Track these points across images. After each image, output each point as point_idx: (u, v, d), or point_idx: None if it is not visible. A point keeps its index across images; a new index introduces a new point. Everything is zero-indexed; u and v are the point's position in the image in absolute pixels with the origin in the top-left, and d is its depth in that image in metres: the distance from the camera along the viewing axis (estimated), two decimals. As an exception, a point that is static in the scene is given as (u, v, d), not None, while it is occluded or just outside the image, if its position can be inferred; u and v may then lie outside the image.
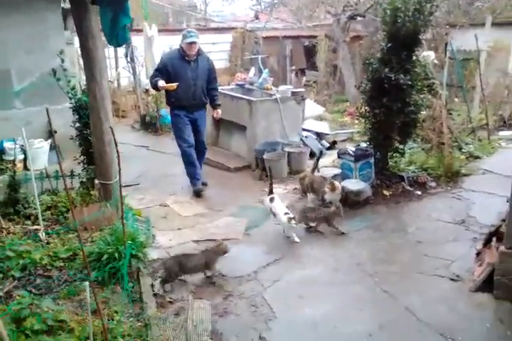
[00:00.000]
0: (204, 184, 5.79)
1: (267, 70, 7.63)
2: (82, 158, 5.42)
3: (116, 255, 3.61)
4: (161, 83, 5.27)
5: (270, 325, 3.08)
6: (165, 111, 9.09)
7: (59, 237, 4.34)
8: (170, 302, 3.41)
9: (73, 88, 5.27)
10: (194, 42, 5.30)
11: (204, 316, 3.20)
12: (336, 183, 4.86)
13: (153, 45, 8.73)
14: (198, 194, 5.56)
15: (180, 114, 5.55)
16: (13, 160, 5.98)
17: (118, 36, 4.21)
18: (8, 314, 2.90)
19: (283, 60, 12.92)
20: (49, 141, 6.31)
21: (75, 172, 5.45)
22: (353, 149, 5.30)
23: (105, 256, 3.59)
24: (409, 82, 4.96)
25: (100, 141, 4.50)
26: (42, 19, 6.33)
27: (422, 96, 5.33)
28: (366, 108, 5.37)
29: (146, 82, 9.62)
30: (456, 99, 8.33)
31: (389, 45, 4.99)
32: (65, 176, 5.33)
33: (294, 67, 12.45)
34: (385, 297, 3.34)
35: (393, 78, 4.93)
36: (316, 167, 5.43)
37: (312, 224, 4.52)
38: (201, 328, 3.08)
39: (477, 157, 6.39)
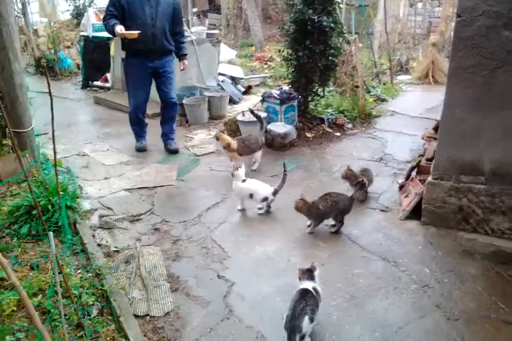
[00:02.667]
0: (174, 151, 5.04)
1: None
2: (-19, 104, 4.84)
3: (50, 207, 3.37)
4: (119, 28, 4.31)
5: (225, 264, 3.14)
6: (63, 53, 8.32)
7: (-29, 192, 3.92)
8: (116, 251, 3.30)
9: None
10: None
11: (156, 262, 3.16)
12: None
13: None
14: (138, 150, 5.13)
15: (135, 62, 4.68)
16: None
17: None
18: None
19: (183, 0, 12.26)
20: None
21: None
22: (278, 92, 5.32)
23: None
24: (332, 25, 5.04)
25: (10, 85, 4.01)
26: None
27: (340, 39, 5.46)
28: (289, 51, 5.38)
29: (38, 20, 8.66)
30: (360, 45, 8.64)
31: (312, -15, 4.96)
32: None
33: (196, 9, 11.91)
34: (327, 229, 3.54)
35: (316, 20, 4.95)
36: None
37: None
38: (156, 273, 3.04)
39: (384, 100, 6.81)
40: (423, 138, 4.56)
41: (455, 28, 3.24)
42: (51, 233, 2.09)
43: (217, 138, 4.64)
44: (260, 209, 3.82)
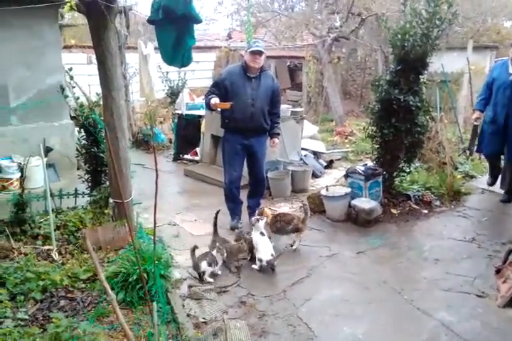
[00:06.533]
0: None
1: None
2: (87, 176, 5.34)
3: (145, 275, 3.54)
4: (214, 100, 4.58)
5: (312, 344, 3.06)
6: (158, 129, 9.08)
7: (73, 257, 4.22)
8: (204, 322, 3.34)
9: (81, 105, 5.23)
10: (259, 53, 4.59)
11: (243, 337, 3.14)
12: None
13: (149, 62, 8.70)
14: (232, 229, 5.03)
15: (232, 139, 4.90)
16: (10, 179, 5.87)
17: (184, 57, 4.29)
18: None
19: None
20: (46, 158, 6.18)
21: (79, 191, 5.35)
22: (363, 168, 5.38)
23: (134, 277, 3.50)
24: (418, 104, 5.14)
25: (117, 160, 4.41)
26: (39, 34, 6.27)
27: (427, 117, 5.52)
28: (373, 128, 5.50)
29: (136, 99, 9.65)
30: (445, 121, 8.64)
31: (398, 67, 5.14)
32: (76, 194, 5.24)
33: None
34: (419, 314, 3.37)
35: (402, 100, 5.08)
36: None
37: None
38: (243, 349, 3.03)
39: (472, 176, 6.63)
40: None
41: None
42: (155, 304, 2.21)
43: (261, 213, 4.70)
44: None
